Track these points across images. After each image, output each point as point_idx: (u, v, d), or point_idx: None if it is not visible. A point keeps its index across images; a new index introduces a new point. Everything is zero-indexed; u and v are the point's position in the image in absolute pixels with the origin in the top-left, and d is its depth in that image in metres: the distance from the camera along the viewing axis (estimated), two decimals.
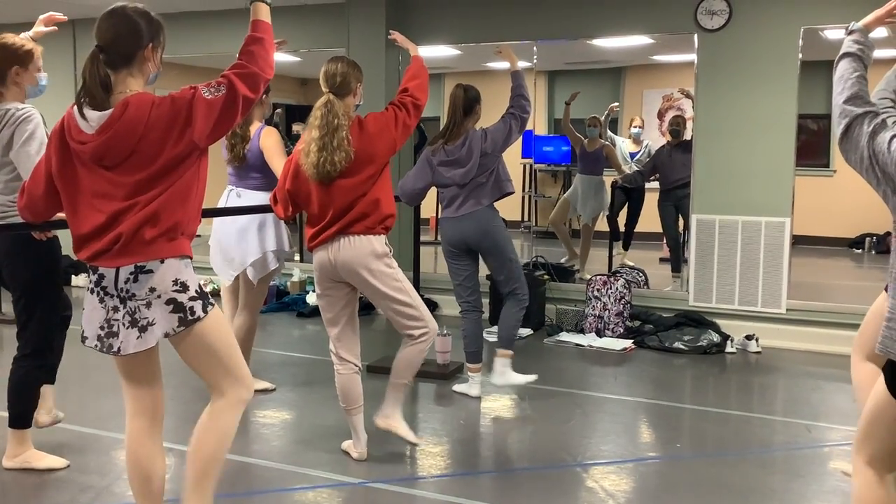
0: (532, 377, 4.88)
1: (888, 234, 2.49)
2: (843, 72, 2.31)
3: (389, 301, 3.69)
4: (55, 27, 3.70)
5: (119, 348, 2.51)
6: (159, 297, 2.49)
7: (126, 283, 2.48)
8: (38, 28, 3.67)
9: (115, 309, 2.51)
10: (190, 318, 2.52)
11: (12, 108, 3.37)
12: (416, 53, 3.98)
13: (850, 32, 2.39)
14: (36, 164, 2.71)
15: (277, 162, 4.40)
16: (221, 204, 4.67)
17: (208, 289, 7.04)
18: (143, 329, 2.49)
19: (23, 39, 3.49)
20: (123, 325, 2.50)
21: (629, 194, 8.26)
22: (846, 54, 2.35)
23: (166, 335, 2.52)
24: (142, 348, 2.51)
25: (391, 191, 3.74)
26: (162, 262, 2.49)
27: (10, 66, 3.40)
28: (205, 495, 2.65)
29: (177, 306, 2.51)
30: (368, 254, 3.61)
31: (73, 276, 7.93)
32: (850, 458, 2.48)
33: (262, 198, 4.45)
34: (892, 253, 2.25)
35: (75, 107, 2.48)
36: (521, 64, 4.84)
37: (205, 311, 2.55)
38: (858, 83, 2.28)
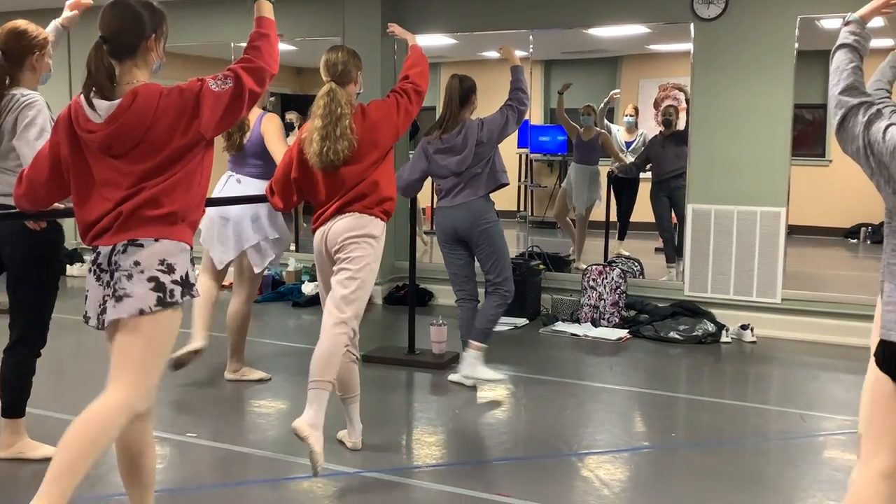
0: (501, 376, 4.80)
1: (884, 223, 2.48)
2: (839, 63, 2.31)
3: (343, 274, 3.50)
4: (76, 12, 3.72)
5: (104, 320, 2.50)
6: (142, 272, 2.46)
7: (115, 254, 2.47)
8: (67, 14, 3.71)
9: (108, 284, 2.50)
10: (169, 300, 2.48)
11: (17, 94, 3.40)
12: (415, 43, 3.98)
13: (847, 23, 2.38)
14: (37, 151, 2.71)
15: (277, 147, 4.39)
16: (219, 188, 4.66)
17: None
18: (119, 299, 2.46)
19: (39, 28, 3.54)
20: (109, 296, 2.49)
21: (625, 185, 8.25)
22: (842, 45, 2.34)
23: (142, 312, 2.45)
24: (115, 317, 2.46)
25: (393, 175, 3.71)
26: (156, 240, 2.48)
27: (31, 52, 3.46)
28: (65, 490, 2.38)
29: (158, 285, 2.47)
30: (358, 227, 3.52)
31: (67, 266, 7.91)
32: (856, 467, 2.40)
33: (262, 185, 4.43)
34: (885, 241, 2.24)
35: (82, 96, 2.49)
36: (518, 53, 4.84)
37: (182, 297, 2.52)
38: (854, 74, 2.27)
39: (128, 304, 2.46)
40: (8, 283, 3.53)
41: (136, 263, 2.47)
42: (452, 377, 4.91)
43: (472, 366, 4.75)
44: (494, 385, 4.89)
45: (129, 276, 2.47)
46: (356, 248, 3.52)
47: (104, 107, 2.45)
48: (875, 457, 2.28)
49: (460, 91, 4.62)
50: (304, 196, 3.72)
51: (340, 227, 3.55)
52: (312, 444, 3.33)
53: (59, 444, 2.46)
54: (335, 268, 3.55)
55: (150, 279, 2.47)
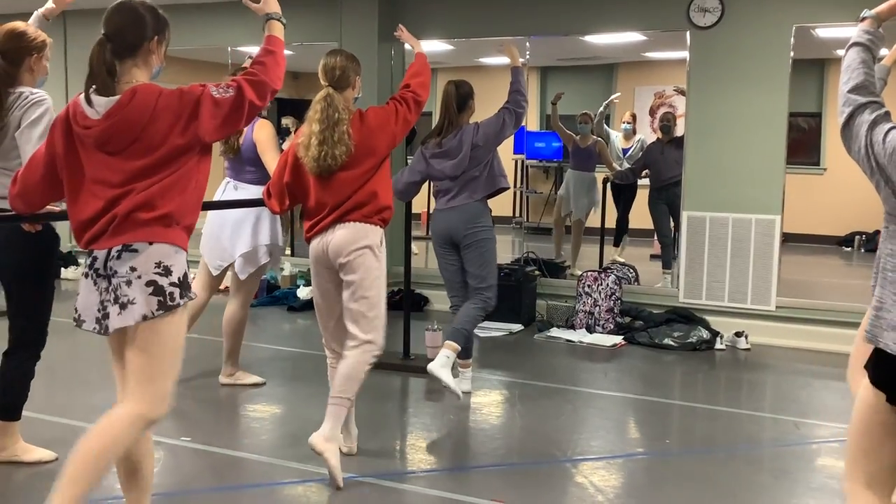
0: (459, 391, 4.45)
1: (878, 232, 2.48)
2: (851, 61, 2.23)
3: (357, 293, 3.55)
4: (55, 6, 3.78)
5: (107, 326, 2.51)
6: (139, 277, 2.46)
7: (110, 260, 2.48)
8: (49, 5, 3.77)
9: (106, 290, 2.51)
10: (170, 303, 2.49)
11: (26, 91, 3.42)
12: (420, 50, 3.97)
13: (862, 20, 2.28)
14: (36, 150, 2.72)
15: (269, 156, 4.40)
16: (218, 194, 4.67)
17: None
18: (123, 306, 2.47)
19: (38, 30, 3.56)
20: (110, 302, 2.50)
21: (624, 192, 8.27)
22: (855, 43, 2.25)
23: (145, 318, 2.47)
24: (120, 325, 2.47)
25: (390, 184, 3.72)
26: (150, 244, 2.48)
27: (29, 54, 3.47)
28: (76, 495, 2.45)
29: (157, 289, 2.48)
30: (360, 238, 3.54)
31: (62, 269, 7.90)
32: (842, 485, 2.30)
33: (258, 191, 4.43)
34: (881, 243, 2.21)
35: (82, 95, 2.51)
36: None
37: (182, 298, 2.53)
38: (865, 73, 2.20)
39: (132, 310, 2.47)
40: (5, 288, 3.53)
41: (133, 269, 2.47)
42: (431, 367, 4.45)
43: (444, 364, 4.40)
44: (490, 391, 4.89)
45: (129, 283, 2.47)
46: (362, 261, 3.54)
47: (102, 102, 2.47)
48: (865, 491, 2.21)
49: (457, 97, 4.60)
50: (296, 201, 3.73)
51: (342, 239, 3.55)
52: (329, 458, 3.43)
53: (71, 453, 2.49)
54: (347, 288, 3.55)
55: (149, 283, 2.48)
